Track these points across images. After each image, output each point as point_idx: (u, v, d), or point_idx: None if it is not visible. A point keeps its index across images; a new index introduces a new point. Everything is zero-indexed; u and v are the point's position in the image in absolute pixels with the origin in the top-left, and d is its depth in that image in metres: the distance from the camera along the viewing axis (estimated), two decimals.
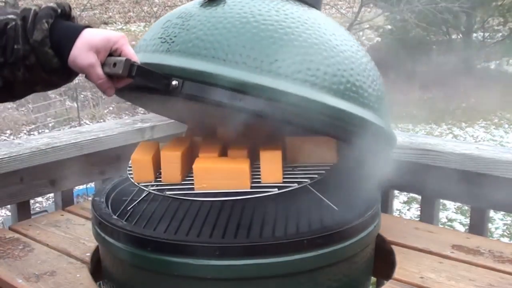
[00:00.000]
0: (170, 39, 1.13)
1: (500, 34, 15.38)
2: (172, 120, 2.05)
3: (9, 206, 1.74)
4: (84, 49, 0.99)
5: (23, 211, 1.70)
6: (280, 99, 1.02)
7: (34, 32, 0.98)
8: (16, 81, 1.02)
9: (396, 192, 1.88)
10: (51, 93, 12.85)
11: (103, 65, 1.01)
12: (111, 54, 1.02)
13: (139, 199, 1.31)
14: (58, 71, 1.01)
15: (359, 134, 1.10)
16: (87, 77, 1.02)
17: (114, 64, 1.00)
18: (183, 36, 1.12)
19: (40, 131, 10.66)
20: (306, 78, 1.05)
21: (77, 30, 1.00)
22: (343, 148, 1.27)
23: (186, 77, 1.05)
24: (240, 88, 1.02)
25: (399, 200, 7.45)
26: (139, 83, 1.06)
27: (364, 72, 1.15)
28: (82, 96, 12.75)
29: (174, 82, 1.05)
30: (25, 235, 1.50)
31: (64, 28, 1.00)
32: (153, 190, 1.21)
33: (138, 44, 1.25)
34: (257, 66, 1.05)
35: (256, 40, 1.07)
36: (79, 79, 13.58)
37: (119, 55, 1.02)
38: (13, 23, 0.99)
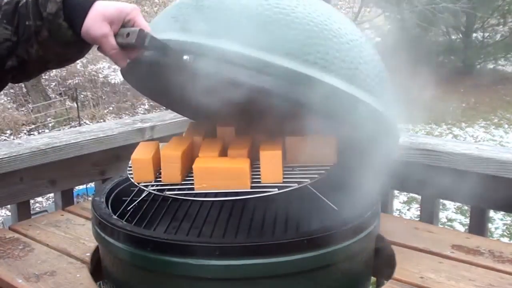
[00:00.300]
0: (183, 18, 1.14)
1: (500, 34, 15.37)
2: (172, 120, 2.06)
3: (9, 206, 1.74)
4: (98, 20, 1.00)
5: (23, 211, 1.70)
6: (290, 78, 1.04)
7: (47, 5, 0.99)
8: (30, 59, 1.03)
9: (396, 192, 1.88)
10: (51, 93, 12.86)
11: (116, 35, 1.02)
12: (123, 26, 1.03)
13: (139, 199, 1.31)
14: (72, 44, 1.02)
15: (365, 120, 1.11)
16: (100, 48, 1.04)
17: (128, 34, 1.02)
18: (196, 15, 1.12)
19: (40, 131, 10.66)
20: (316, 60, 1.06)
21: (90, 2, 1.01)
22: (346, 143, 1.27)
23: (198, 53, 1.06)
24: (251, 65, 1.04)
25: (399, 200, 7.44)
26: (150, 58, 1.08)
27: (372, 63, 1.16)
28: (82, 96, 12.75)
29: (185, 57, 1.06)
30: (25, 235, 1.50)
31: (76, 0, 1.01)
32: (153, 190, 1.21)
33: (150, 24, 1.26)
34: (269, 46, 1.06)
35: (269, 22, 1.08)
36: (79, 79, 13.60)
37: (132, 27, 1.04)
38: (24, 0, 1.00)
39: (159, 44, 1.05)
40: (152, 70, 1.22)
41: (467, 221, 2.41)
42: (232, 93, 1.09)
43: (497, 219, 6.92)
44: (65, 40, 1.01)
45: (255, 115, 1.28)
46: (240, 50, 1.05)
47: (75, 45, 1.03)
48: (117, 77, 13.97)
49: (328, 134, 1.27)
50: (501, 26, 15.36)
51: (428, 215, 1.69)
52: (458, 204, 6.76)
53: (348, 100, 1.08)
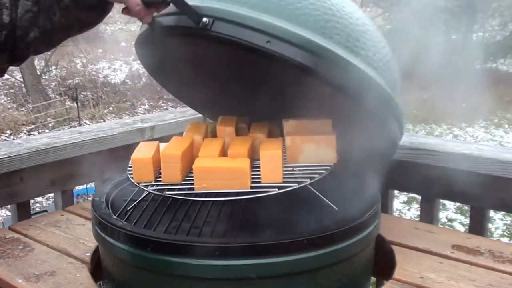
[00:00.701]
0: None
1: (500, 34, 15.37)
2: (172, 120, 2.06)
3: (9, 206, 1.74)
4: None
5: (23, 211, 1.70)
6: (305, 46, 1.08)
7: None
8: (53, 27, 1.05)
9: (396, 192, 1.88)
10: (51, 93, 12.86)
11: None
12: None
13: (139, 199, 1.31)
14: (94, 7, 1.04)
15: (372, 99, 1.14)
16: (124, 10, 1.07)
17: None
18: None
19: (40, 131, 10.66)
20: (331, 35, 1.10)
21: None
22: (351, 136, 1.28)
23: (217, 16, 1.09)
24: (269, 31, 1.07)
25: (399, 200, 7.44)
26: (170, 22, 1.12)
27: (383, 50, 1.20)
28: (82, 96, 12.76)
29: (204, 19, 1.09)
30: (25, 235, 1.50)
31: None
32: (153, 190, 1.21)
33: None
34: (287, 17, 1.09)
35: None
36: (79, 79, 13.60)
37: None
38: None
39: (181, 1, 1.07)
40: (163, 47, 1.23)
41: (467, 221, 2.41)
42: (245, 58, 1.09)
43: (497, 219, 6.92)
44: (88, 4, 1.03)
45: (264, 87, 1.29)
46: (256, 16, 1.08)
47: (97, 8, 1.05)
48: (117, 77, 13.98)
49: (337, 115, 1.28)
50: (501, 26, 15.36)
51: (428, 215, 1.69)
52: (458, 204, 6.76)
53: (362, 78, 1.12)
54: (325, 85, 1.11)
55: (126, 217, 1.27)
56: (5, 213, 6.83)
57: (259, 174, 1.20)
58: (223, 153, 1.27)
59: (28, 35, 1.03)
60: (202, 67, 1.38)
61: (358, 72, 1.12)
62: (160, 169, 1.25)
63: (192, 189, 1.17)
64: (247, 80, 1.33)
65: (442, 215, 6.94)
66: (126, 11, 1.07)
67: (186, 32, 1.14)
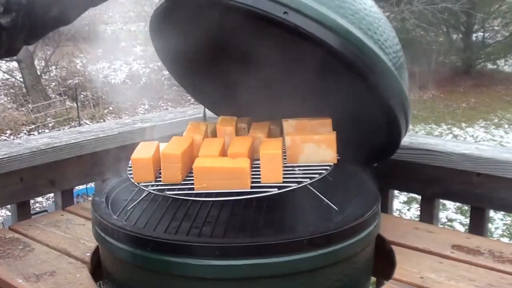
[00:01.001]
0: None
1: (500, 34, 15.38)
2: (172, 120, 2.06)
3: (9, 206, 1.74)
4: None
5: (23, 211, 1.70)
6: (321, 20, 1.10)
7: None
8: (72, 4, 1.07)
9: (396, 192, 1.88)
10: (51, 93, 12.86)
11: None
12: None
13: (139, 199, 1.31)
14: None
15: (384, 85, 1.16)
16: None
17: None
18: None
19: (40, 131, 10.66)
20: (346, 15, 1.13)
21: None
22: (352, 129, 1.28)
23: None
24: (286, 3, 1.10)
25: (399, 200, 7.45)
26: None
27: (394, 39, 1.23)
28: (82, 96, 12.76)
29: None
30: (25, 235, 1.50)
31: None
32: (153, 190, 1.21)
33: None
34: None
35: None
36: (79, 79, 13.59)
37: None
38: None
39: None
40: (178, 24, 1.25)
41: (467, 221, 2.41)
42: (263, 30, 1.11)
43: (497, 219, 6.92)
44: None
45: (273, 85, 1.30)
46: None
47: None
48: (117, 77, 13.98)
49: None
50: (501, 27, 15.36)
51: (428, 215, 1.69)
52: (458, 204, 6.77)
53: (376, 61, 1.14)
54: (337, 67, 1.12)
55: (126, 217, 1.27)
56: (5, 213, 6.84)
57: (259, 174, 1.20)
58: (223, 153, 1.27)
59: (47, 14, 1.04)
60: (213, 53, 1.38)
61: (371, 54, 1.14)
62: (160, 169, 1.25)
63: (192, 189, 1.17)
64: (255, 76, 1.33)
65: (442, 215, 6.95)
66: None
67: (204, 2, 1.15)
